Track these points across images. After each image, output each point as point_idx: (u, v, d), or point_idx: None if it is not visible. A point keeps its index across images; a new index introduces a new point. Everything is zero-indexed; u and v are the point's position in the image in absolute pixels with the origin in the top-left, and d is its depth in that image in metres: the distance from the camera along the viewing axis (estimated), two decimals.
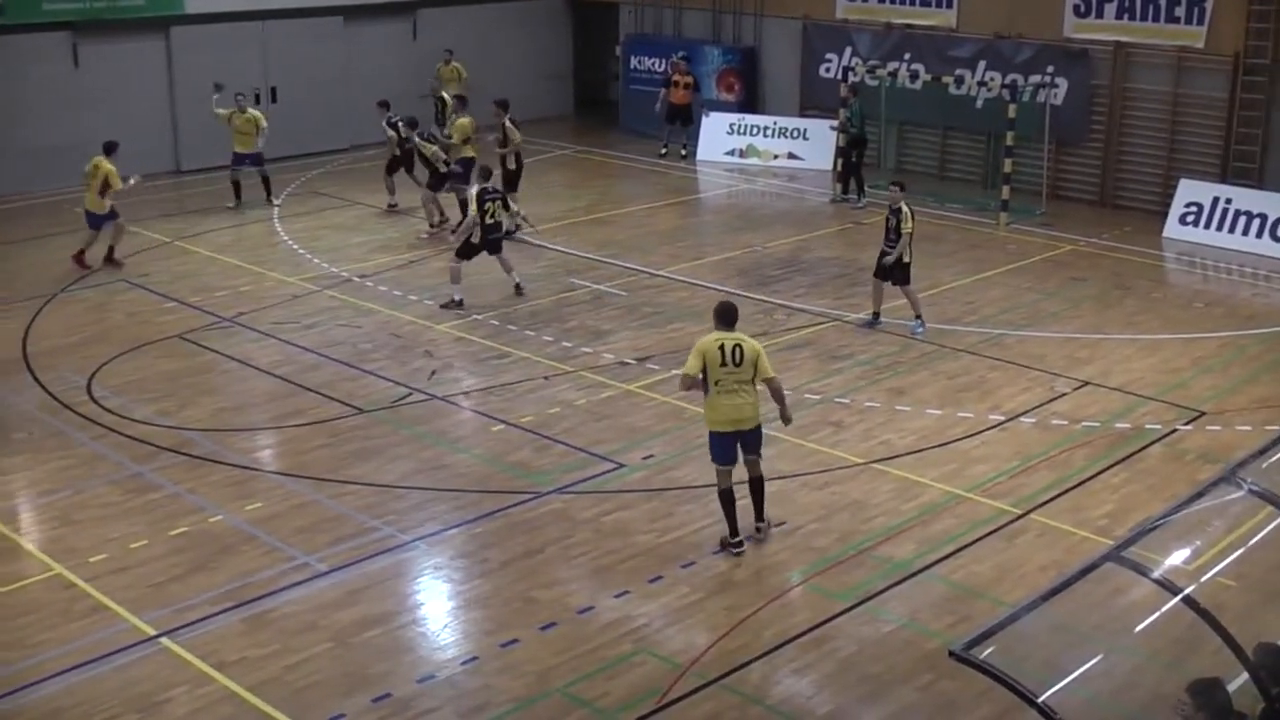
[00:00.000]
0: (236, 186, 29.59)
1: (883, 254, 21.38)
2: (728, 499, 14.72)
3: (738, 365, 14.34)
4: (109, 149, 24.74)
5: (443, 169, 27.06)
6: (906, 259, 21.26)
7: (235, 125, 29.27)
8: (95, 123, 30.62)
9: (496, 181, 24.22)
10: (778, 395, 14.80)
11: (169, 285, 23.99)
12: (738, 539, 14.74)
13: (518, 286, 23.20)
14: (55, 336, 21.50)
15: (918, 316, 21.48)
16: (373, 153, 34.28)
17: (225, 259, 25.58)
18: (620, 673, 12.58)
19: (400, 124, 28.59)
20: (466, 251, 22.77)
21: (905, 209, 21.13)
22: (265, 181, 29.79)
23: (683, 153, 34.76)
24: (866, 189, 30.09)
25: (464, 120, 27.63)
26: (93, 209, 24.82)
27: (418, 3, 36.89)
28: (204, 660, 12.76)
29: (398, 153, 29.05)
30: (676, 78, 34.80)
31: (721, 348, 14.33)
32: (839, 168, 31.14)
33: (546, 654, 12.86)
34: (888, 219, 21.38)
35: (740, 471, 14.79)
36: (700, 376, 14.39)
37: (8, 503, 16.11)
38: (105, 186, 24.54)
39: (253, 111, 29.41)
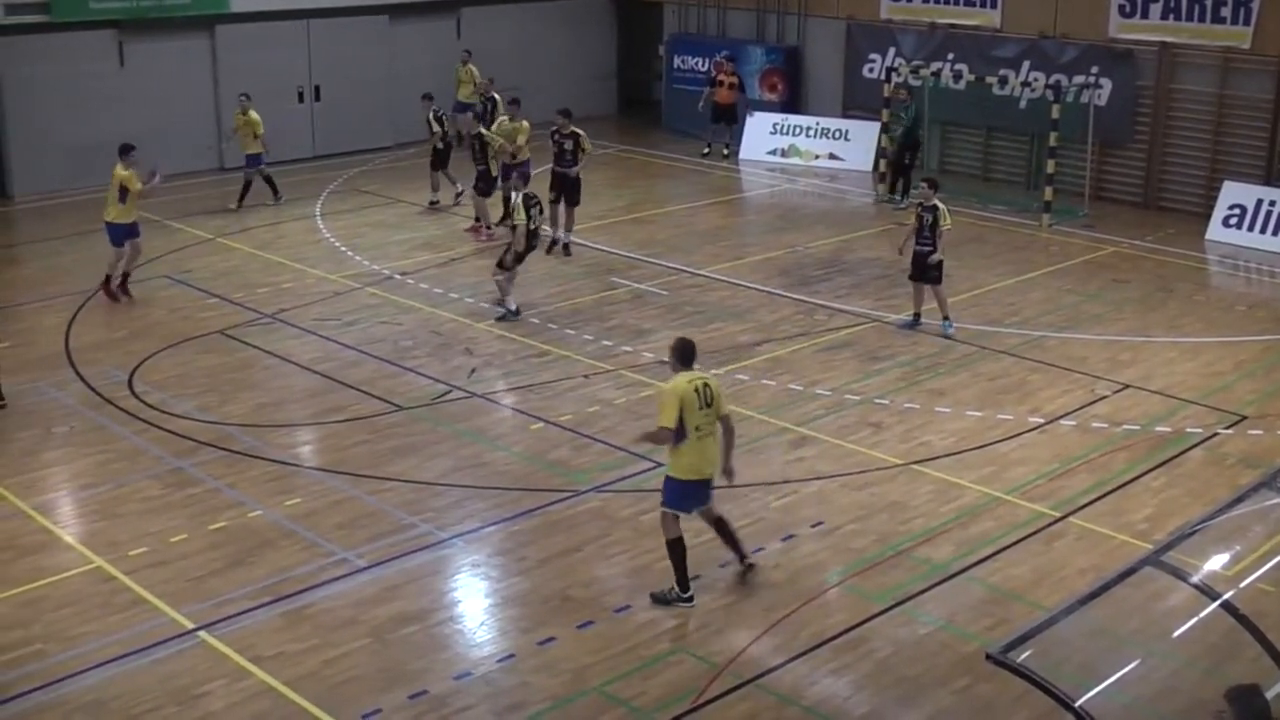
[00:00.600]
0: (245, 187, 29.60)
1: (917, 254, 21.34)
2: (681, 548, 13.69)
3: (709, 405, 13.50)
4: (123, 151, 23.00)
5: (508, 161, 26.36)
6: (940, 256, 21.27)
7: (236, 127, 29.53)
8: (140, 121, 30.86)
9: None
10: (731, 434, 13.90)
11: (211, 282, 24.09)
12: (689, 593, 13.73)
13: (565, 246, 24.80)
14: (98, 331, 21.64)
15: (945, 316, 21.51)
16: (414, 150, 34.43)
17: (267, 256, 25.68)
18: (657, 672, 12.58)
19: (444, 117, 28.65)
20: (513, 261, 22.26)
21: (941, 206, 21.12)
22: (269, 181, 29.71)
23: (725, 152, 34.76)
24: (911, 190, 29.94)
25: (524, 123, 26.94)
26: (115, 219, 22.96)
27: (461, 2, 36.94)
28: (242, 654, 12.81)
29: (440, 146, 29.07)
30: (721, 77, 34.83)
31: (696, 390, 13.45)
32: (884, 168, 30.94)
33: (583, 652, 12.87)
34: (921, 217, 21.28)
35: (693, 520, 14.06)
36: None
37: (49, 496, 16.21)
38: (124, 192, 22.77)
39: (253, 115, 29.18)
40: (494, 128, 27.26)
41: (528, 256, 22.60)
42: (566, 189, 25.96)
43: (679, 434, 13.36)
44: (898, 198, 30.15)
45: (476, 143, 27.01)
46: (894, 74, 31.52)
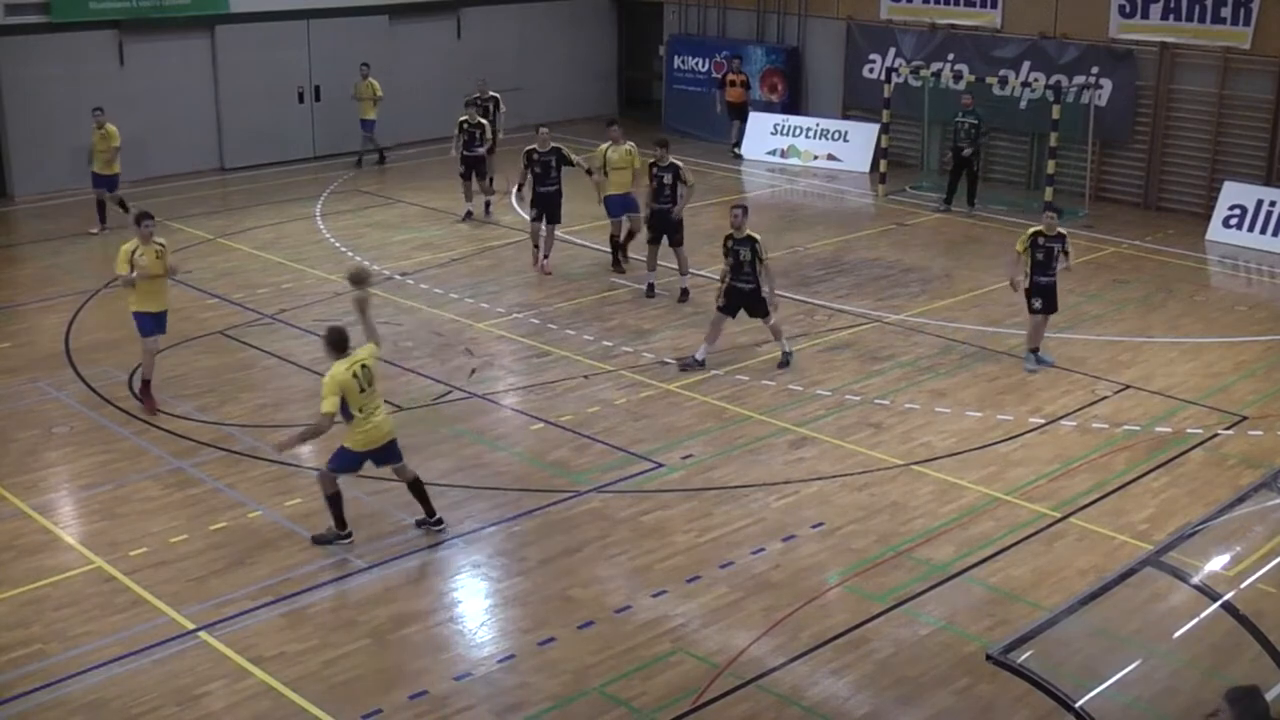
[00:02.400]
0: (100, 208, 27.46)
1: (1042, 286, 19.85)
2: (338, 498, 14.84)
3: (370, 385, 14.50)
4: (139, 220, 18.69)
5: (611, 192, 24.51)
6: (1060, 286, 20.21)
7: (94, 144, 27.30)
8: (140, 121, 30.91)
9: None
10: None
11: (211, 282, 24.10)
12: (347, 529, 14.93)
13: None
14: (98, 332, 21.64)
15: (1034, 350, 20.31)
16: (414, 151, 34.47)
17: (267, 256, 25.68)
18: (657, 672, 12.58)
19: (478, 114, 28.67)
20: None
21: (1067, 234, 20.02)
22: (121, 205, 27.21)
23: (736, 151, 34.90)
24: (974, 200, 29.90)
25: (627, 146, 24.44)
26: (135, 306, 18.66)
27: (461, 2, 36.94)
28: (242, 654, 12.82)
29: (466, 153, 28.45)
30: (730, 77, 35.04)
31: (355, 375, 14.35)
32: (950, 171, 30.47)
33: (584, 653, 12.88)
34: (1046, 248, 19.75)
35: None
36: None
37: (50, 496, 16.22)
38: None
39: (110, 128, 27.22)
40: (601, 154, 24.55)
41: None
42: (668, 229, 23.29)
43: (347, 415, 14.41)
44: (945, 205, 29.84)
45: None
46: (893, 74, 31.57)
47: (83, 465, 16.99)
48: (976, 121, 29.13)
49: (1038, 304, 19.95)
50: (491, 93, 30.98)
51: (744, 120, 35.39)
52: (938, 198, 30.22)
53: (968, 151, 29.27)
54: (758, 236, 19.78)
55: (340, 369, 14.32)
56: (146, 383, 18.57)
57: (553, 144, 24.86)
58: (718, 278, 20.46)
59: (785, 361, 20.05)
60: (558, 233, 25.25)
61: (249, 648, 12.94)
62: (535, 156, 24.81)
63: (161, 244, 18.65)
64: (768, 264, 19.88)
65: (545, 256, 24.91)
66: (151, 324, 18.54)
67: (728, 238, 19.91)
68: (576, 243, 25.66)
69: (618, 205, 24.30)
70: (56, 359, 20.47)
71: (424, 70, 35.56)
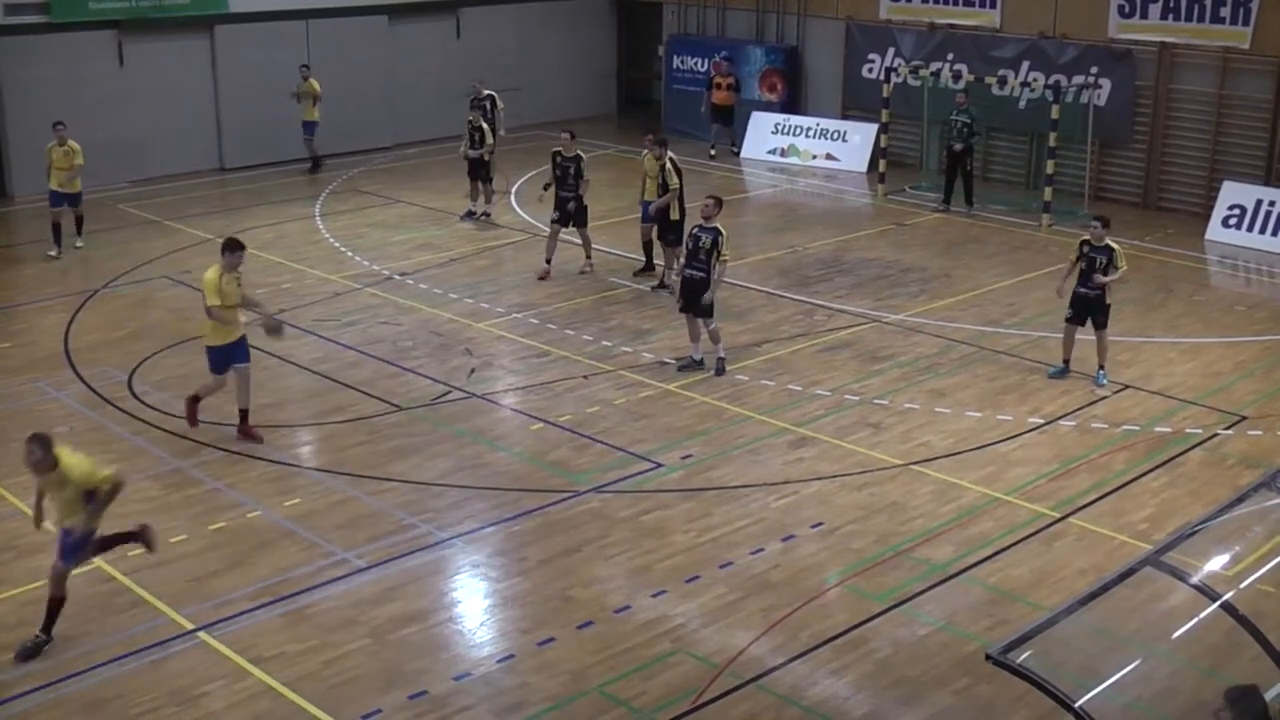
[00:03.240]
0: (56, 229, 25.85)
1: (1081, 296, 19.48)
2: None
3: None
4: (228, 247, 17.21)
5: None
6: (1109, 301, 19.58)
7: (54, 160, 25.62)
8: (140, 121, 31.04)
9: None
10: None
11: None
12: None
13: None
14: (97, 332, 21.64)
15: (1101, 366, 19.66)
16: (414, 151, 34.50)
17: (267, 256, 25.65)
18: (657, 672, 12.58)
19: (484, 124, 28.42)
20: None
21: (1117, 248, 19.36)
22: (79, 220, 26.25)
23: (734, 150, 34.98)
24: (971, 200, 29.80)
25: (656, 154, 24.01)
26: (209, 341, 17.50)
27: (461, 2, 36.95)
28: (242, 655, 12.82)
29: (485, 157, 28.23)
30: (718, 79, 34.90)
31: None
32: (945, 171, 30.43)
33: (583, 653, 12.88)
34: (1089, 257, 19.35)
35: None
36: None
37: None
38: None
39: (71, 143, 25.56)
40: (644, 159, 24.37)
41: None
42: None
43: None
44: (945, 205, 29.81)
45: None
46: (893, 74, 31.60)
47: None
48: (969, 120, 29.12)
49: (1068, 312, 19.74)
50: (487, 92, 30.92)
51: (729, 122, 35.26)
52: (937, 198, 30.23)
53: (959, 147, 29.23)
54: (724, 231, 19.69)
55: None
56: (245, 412, 17.57)
57: (577, 151, 24.87)
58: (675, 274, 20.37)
59: (720, 370, 19.77)
60: (589, 235, 25.19)
61: (248, 648, 12.94)
62: (558, 159, 24.86)
63: (239, 273, 17.40)
64: (726, 259, 19.73)
65: (588, 257, 24.99)
66: (222, 358, 17.42)
67: (695, 226, 19.90)
68: (575, 243, 25.59)
69: (644, 212, 24.33)
70: (56, 359, 20.46)
71: (423, 70, 35.57)
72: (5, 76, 29.82)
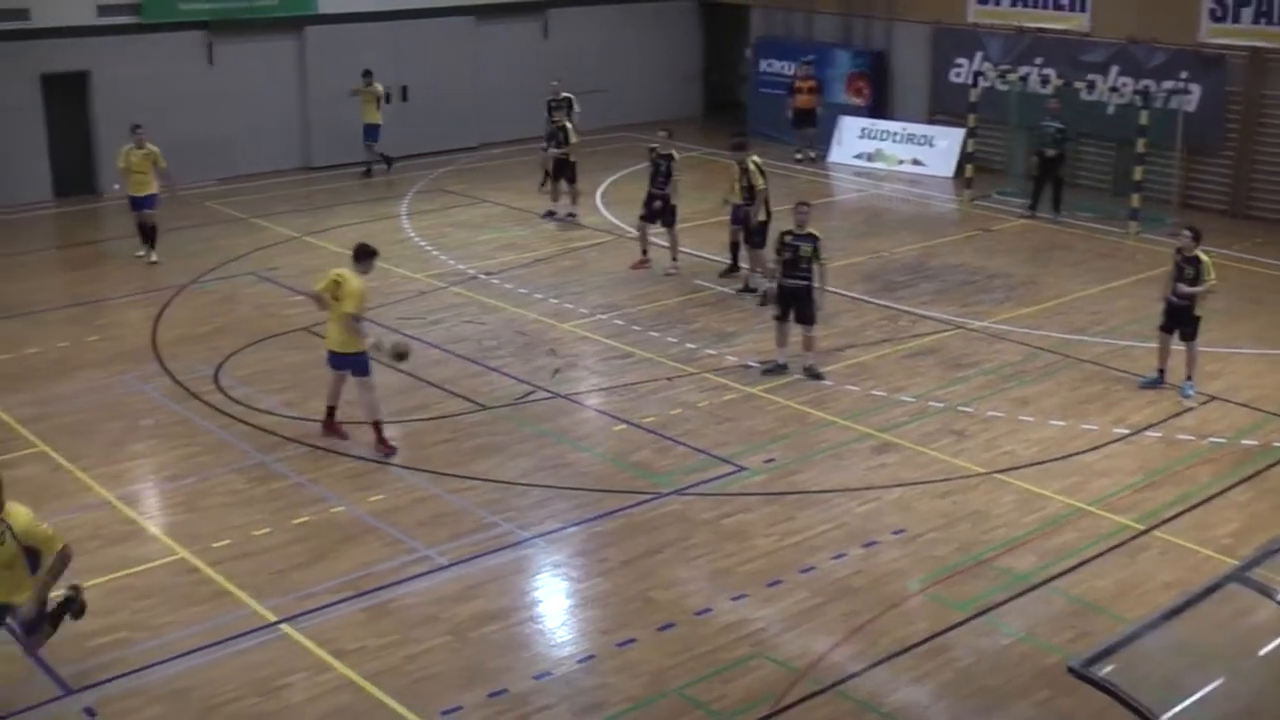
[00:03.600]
0: (142, 230, 25.79)
1: (1172, 306, 19.34)
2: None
3: (336, 300, 16.97)
4: (361, 255, 17.22)
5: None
6: (1198, 312, 19.33)
7: (132, 164, 25.38)
8: (228, 120, 31.38)
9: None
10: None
11: (296, 279, 24.26)
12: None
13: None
14: (184, 326, 21.88)
15: (1189, 377, 19.43)
16: (500, 151, 34.61)
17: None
18: (736, 676, 12.57)
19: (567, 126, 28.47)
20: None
21: (1205, 259, 19.02)
22: (152, 231, 25.77)
23: (813, 155, 34.79)
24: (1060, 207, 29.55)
25: (740, 158, 23.95)
26: (338, 348, 17.32)
27: (548, 2, 37.06)
28: (323, 648, 12.92)
29: (555, 152, 28.42)
30: (799, 84, 34.75)
31: (334, 281, 17.01)
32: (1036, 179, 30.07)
33: (663, 655, 12.88)
34: (1180, 266, 19.15)
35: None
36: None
37: (135, 487, 16.43)
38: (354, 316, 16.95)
39: (150, 146, 25.38)
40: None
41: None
42: (799, 304, 19.99)
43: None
44: (1034, 211, 29.57)
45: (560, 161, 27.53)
46: (980, 78, 31.43)
47: (168, 458, 17.19)
48: (1062, 127, 28.88)
49: (1161, 320, 19.55)
50: (565, 94, 30.98)
51: (812, 126, 35.03)
52: (1023, 203, 30.01)
53: (1052, 153, 28.99)
54: (819, 234, 19.66)
55: (338, 268, 17.27)
56: (375, 426, 17.31)
57: (671, 150, 25.07)
58: (769, 281, 20.23)
59: (815, 374, 19.72)
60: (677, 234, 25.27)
61: (330, 641, 13.04)
62: (654, 156, 25.23)
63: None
64: (826, 263, 19.75)
65: (674, 258, 25.03)
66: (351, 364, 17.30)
67: (785, 234, 19.77)
68: (663, 244, 25.59)
69: (732, 213, 24.27)
70: (143, 353, 20.71)
71: (510, 71, 35.66)
72: (96, 76, 30.21)
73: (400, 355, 17.21)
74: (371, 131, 32.52)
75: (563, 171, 28.44)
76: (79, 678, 12.44)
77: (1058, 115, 28.96)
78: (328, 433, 17.67)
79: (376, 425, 17.28)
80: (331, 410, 17.68)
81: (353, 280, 16.96)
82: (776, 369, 19.80)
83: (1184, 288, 19.05)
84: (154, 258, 25.50)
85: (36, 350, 20.84)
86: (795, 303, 19.72)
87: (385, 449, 17.16)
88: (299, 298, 22.79)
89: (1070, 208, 29.54)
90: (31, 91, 29.64)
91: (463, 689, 12.31)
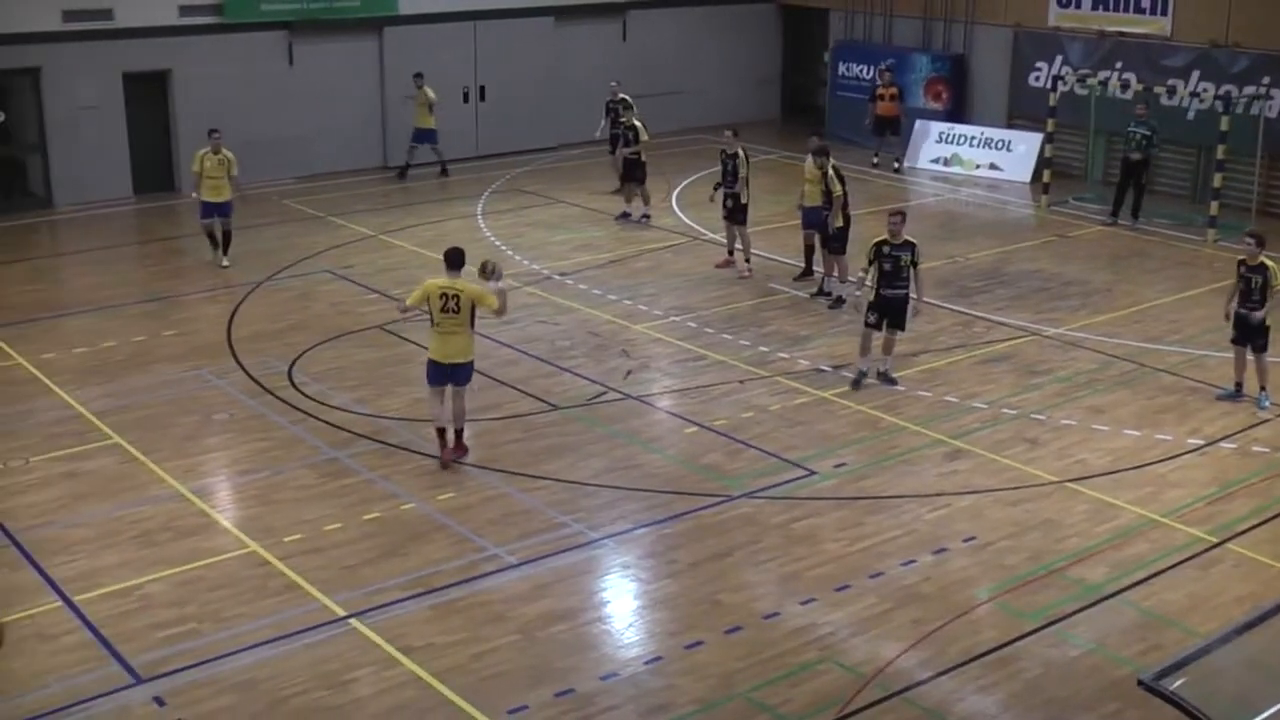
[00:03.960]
0: (211, 237, 25.46)
1: (1240, 317, 19.02)
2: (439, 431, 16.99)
3: (455, 313, 16.42)
4: (457, 261, 16.77)
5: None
6: (1268, 322, 18.93)
7: (206, 169, 24.88)
8: (307, 119, 31.64)
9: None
10: (500, 313, 16.95)
11: (371, 277, 24.44)
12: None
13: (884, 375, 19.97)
14: (259, 323, 22.06)
15: (1263, 388, 19.19)
16: (579, 152, 34.67)
17: (428, 254, 25.94)
18: (803, 680, 12.54)
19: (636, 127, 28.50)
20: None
21: (1271, 265, 18.71)
22: (226, 237, 25.50)
23: (895, 166, 34.38)
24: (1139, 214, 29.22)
25: (817, 161, 23.77)
26: (460, 357, 16.84)
27: (628, 3, 37.10)
28: (391, 643, 12.99)
29: (641, 158, 28.48)
30: (881, 90, 34.51)
31: (444, 294, 16.36)
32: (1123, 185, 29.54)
33: (730, 658, 12.87)
34: (1245, 278, 18.97)
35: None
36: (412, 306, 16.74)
37: (208, 480, 16.59)
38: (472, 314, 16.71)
39: (226, 152, 25.04)
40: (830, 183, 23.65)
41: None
42: (896, 313, 19.76)
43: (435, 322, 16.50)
44: (1123, 218, 29.18)
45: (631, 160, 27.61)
46: (1060, 82, 31.20)
47: (241, 451, 17.33)
48: (1150, 132, 28.60)
49: (1232, 333, 19.31)
50: (622, 95, 30.99)
51: (895, 133, 34.68)
52: (1101, 209, 29.75)
53: (1137, 158, 28.70)
54: (915, 242, 19.56)
55: (435, 281, 16.52)
56: (459, 432, 17.12)
57: (738, 148, 25.07)
58: (860, 292, 20.08)
59: (888, 380, 19.59)
60: (749, 234, 25.31)
61: (398, 637, 13.11)
62: (723, 156, 25.27)
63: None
64: (923, 271, 19.60)
65: (746, 260, 25.07)
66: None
67: (881, 243, 19.58)
68: (737, 246, 25.58)
69: (804, 217, 24.18)
70: (219, 348, 20.90)
71: (589, 72, 35.66)
72: (178, 75, 30.52)
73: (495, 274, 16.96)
74: (426, 135, 32.23)
75: (633, 172, 28.47)
76: (149, 667, 12.58)
77: (1145, 120, 28.67)
78: (457, 454, 16.97)
79: (460, 430, 17.14)
80: (445, 431, 17.04)
81: (469, 284, 16.56)
82: (862, 378, 19.62)
83: (1258, 296, 18.81)
84: (226, 261, 25.19)
85: (113, 344, 21.08)
86: (892, 312, 19.54)
87: (462, 451, 17.09)
88: (373, 295, 22.98)
89: (1148, 214, 29.27)
90: (113, 90, 29.96)
91: (529, 688, 12.34)
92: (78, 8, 29.25)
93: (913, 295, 19.55)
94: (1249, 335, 19.09)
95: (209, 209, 25.06)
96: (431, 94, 31.80)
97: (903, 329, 19.65)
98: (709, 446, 17.58)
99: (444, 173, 32.91)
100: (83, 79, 29.48)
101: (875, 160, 34.39)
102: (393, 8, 32.97)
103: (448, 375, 16.79)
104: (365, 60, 32.96)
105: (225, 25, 30.92)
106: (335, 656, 12.80)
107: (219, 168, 24.79)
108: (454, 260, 16.64)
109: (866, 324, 19.74)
